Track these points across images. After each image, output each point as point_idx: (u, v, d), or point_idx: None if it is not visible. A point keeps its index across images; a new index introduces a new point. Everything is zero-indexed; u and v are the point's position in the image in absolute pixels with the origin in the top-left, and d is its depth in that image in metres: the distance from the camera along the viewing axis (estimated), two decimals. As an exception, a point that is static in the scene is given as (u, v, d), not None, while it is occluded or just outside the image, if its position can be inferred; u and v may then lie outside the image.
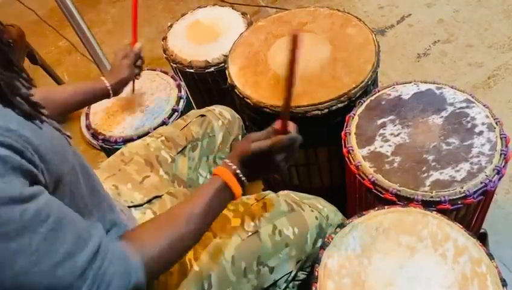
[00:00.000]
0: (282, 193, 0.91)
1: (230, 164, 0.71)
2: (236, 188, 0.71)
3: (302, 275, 0.89)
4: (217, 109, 1.12)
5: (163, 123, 1.18)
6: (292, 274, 0.84)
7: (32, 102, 0.53)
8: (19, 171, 0.45)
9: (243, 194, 0.74)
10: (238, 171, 0.71)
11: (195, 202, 0.68)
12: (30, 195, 0.46)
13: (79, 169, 0.60)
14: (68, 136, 0.61)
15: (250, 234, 0.80)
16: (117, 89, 1.06)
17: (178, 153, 1.00)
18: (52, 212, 0.48)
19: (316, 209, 0.88)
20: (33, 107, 0.53)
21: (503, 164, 0.85)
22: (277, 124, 0.72)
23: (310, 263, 0.89)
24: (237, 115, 1.16)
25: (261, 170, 0.74)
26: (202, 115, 1.08)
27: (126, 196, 0.88)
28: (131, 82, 1.13)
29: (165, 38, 1.45)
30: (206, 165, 1.06)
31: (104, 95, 1.04)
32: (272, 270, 0.81)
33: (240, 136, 1.14)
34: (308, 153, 1.17)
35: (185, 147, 1.01)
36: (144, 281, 0.58)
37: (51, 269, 0.47)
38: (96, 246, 0.53)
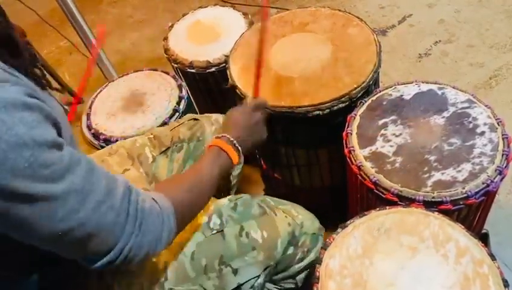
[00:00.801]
0: (259, 196, 0.91)
1: (220, 135, 0.83)
2: (232, 153, 0.80)
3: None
4: (214, 116, 1.12)
5: (164, 123, 1.18)
6: (259, 280, 0.82)
7: (45, 72, 0.59)
8: (50, 120, 0.49)
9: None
10: (230, 137, 0.81)
11: (200, 166, 0.76)
12: (61, 142, 0.50)
13: (71, 141, 0.62)
14: (65, 109, 0.63)
15: (214, 232, 0.80)
16: None
17: (161, 154, 1.00)
18: (81, 157, 0.53)
19: (290, 215, 0.87)
20: (44, 78, 0.58)
21: (505, 165, 0.85)
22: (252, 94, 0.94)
23: (282, 276, 0.88)
24: None
25: (247, 131, 0.85)
26: (196, 119, 1.08)
27: None
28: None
29: (166, 39, 1.45)
30: None
31: None
32: (235, 271, 0.79)
33: None
34: (309, 153, 1.17)
35: (169, 148, 1.01)
36: (175, 225, 0.63)
37: (96, 206, 0.52)
38: (125, 184, 0.57)
